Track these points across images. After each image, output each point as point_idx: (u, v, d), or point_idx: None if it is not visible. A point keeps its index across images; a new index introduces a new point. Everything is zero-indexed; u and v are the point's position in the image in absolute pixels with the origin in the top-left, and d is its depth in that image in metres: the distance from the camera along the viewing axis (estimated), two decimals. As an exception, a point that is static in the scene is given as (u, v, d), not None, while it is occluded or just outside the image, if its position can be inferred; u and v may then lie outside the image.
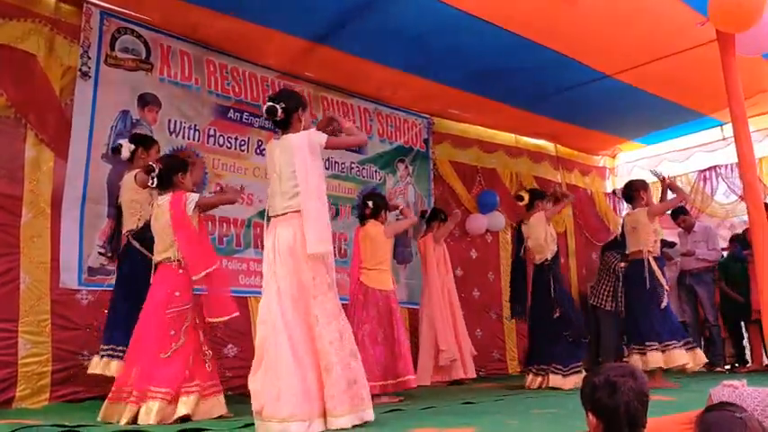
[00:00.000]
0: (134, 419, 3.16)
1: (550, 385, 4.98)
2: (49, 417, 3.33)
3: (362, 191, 6.26)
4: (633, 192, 5.29)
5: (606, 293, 6.98)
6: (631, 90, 6.23)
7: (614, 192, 5.60)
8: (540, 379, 5.11)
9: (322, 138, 3.25)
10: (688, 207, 7.67)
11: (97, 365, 3.84)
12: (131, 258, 3.94)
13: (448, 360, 5.72)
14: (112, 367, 3.75)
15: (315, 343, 2.97)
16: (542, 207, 5.48)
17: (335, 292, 3.13)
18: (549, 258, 5.29)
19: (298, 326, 2.97)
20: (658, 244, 5.13)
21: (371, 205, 4.79)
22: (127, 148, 4.07)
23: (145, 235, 3.84)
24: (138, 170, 3.95)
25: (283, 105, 3.23)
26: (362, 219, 4.88)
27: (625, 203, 6.02)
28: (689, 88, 6.32)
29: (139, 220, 3.97)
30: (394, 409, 3.73)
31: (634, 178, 6.00)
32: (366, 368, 3.31)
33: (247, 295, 5.17)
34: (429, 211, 6.43)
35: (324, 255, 3.07)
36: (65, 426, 2.73)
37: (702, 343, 7.18)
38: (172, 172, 3.64)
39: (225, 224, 5.20)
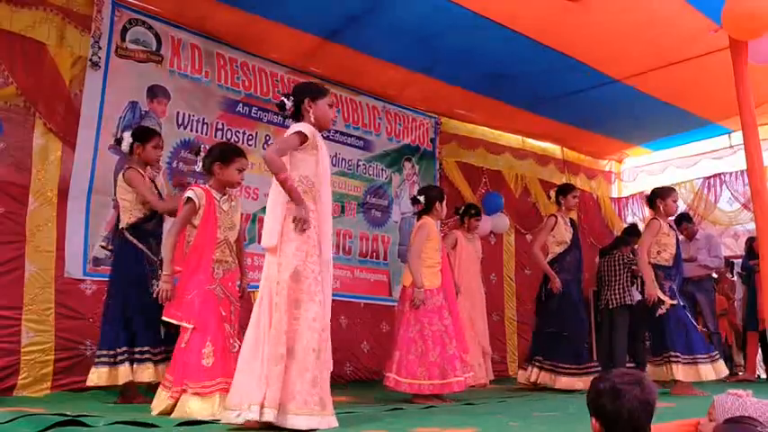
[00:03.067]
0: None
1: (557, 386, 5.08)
2: (50, 405, 3.34)
3: (368, 189, 6.27)
4: (653, 199, 5.26)
5: (618, 292, 6.95)
6: (640, 95, 6.22)
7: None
8: (543, 374, 5.23)
9: (292, 129, 3.07)
10: (692, 214, 7.67)
11: (126, 373, 3.66)
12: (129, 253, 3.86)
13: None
14: (146, 373, 3.67)
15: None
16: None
17: (301, 284, 2.86)
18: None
19: (265, 316, 2.87)
20: (663, 255, 5.07)
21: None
22: (127, 141, 3.97)
23: (141, 228, 3.86)
24: (127, 167, 3.91)
25: (292, 98, 3.16)
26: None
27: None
28: (698, 95, 6.31)
29: (130, 217, 3.86)
30: (394, 408, 3.72)
31: (661, 185, 5.86)
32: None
33: (251, 290, 5.17)
34: (462, 207, 6.29)
35: (272, 247, 2.90)
36: (66, 415, 2.73)
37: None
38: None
39: (230, 218, 5.19)
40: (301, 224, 2.89)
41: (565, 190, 5.68)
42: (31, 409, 3.08)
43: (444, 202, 4.67)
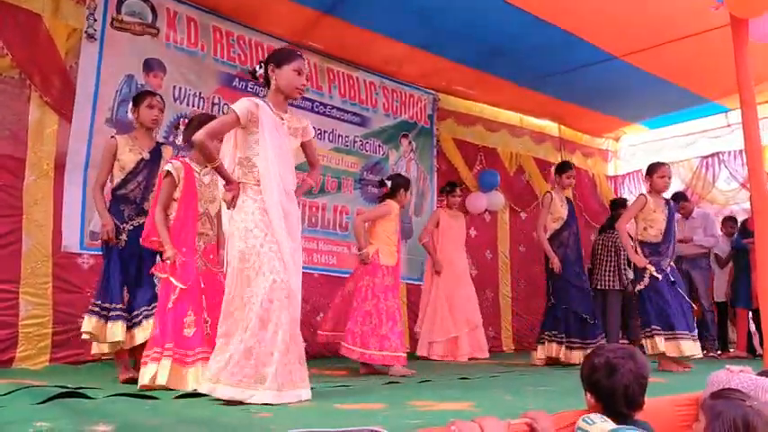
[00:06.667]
0: None
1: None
2: (49, 378, 3.36)
3: (365, 165, 6.26)
4: (646, 175, 5.18)
5: (611, 273, 6.98)
6: (638, 72, 6.20)
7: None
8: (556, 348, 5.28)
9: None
10: (688, 194, 7.70)
11: None
12: None
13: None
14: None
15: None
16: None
17: (245, 263, 2.76)
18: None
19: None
20: (650, 231, 4.99)
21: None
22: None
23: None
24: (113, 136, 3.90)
25: (262, 65, 3.01)
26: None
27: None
28: (696, 73, 6.29)
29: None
30: (390, 381, 3.77)
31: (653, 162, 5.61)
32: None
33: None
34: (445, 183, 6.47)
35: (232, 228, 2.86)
36: (66, 387, 2.75)
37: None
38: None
39: (227, 193, 5.19)
40: (227, 205, 2.87)
41: (561, 168, 5.68)
42: (31, 381, 3.11)
43: (409, 192, 4.88)
